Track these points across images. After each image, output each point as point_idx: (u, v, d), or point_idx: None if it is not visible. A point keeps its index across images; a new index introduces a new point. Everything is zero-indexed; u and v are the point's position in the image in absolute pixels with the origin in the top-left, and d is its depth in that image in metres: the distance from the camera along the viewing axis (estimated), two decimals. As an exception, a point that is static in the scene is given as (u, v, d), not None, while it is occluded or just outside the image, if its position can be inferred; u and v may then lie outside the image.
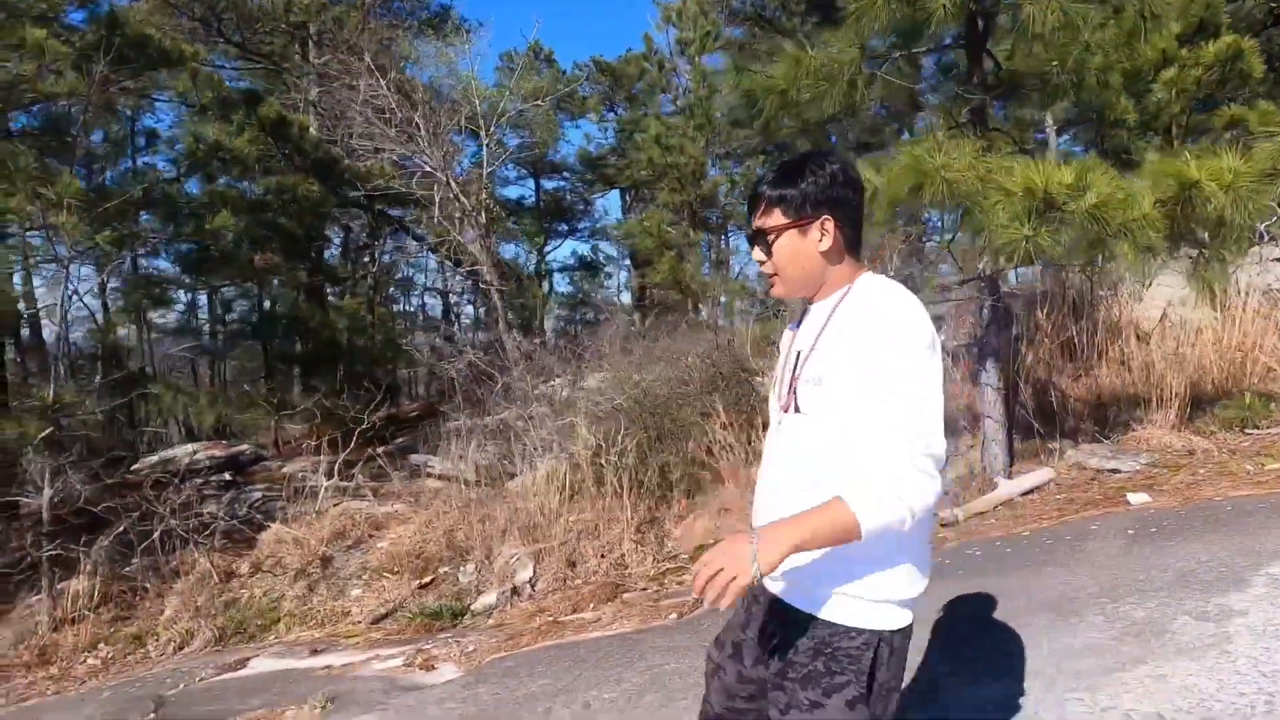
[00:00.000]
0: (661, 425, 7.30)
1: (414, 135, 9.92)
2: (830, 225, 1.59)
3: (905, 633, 1.56)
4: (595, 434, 7.25)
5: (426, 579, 6.64)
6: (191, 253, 9.75)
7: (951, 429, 6.36)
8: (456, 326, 15.80)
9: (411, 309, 22.18)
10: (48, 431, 6.14)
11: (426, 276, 20.33)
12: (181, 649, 6.45)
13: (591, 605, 5.74)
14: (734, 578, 1.35)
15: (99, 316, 11.65)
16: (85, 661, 6.59)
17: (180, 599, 6.94)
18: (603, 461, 6.96)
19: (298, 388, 11.31)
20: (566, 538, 6.64)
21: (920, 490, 1.41)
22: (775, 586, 1.62)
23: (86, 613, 6.92)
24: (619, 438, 6.77)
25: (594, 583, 6.22)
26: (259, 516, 8.22)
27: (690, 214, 14.59)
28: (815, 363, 1.57)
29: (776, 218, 1.61)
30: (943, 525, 5.31)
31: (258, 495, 8.79)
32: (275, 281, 11.35)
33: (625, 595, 5.85)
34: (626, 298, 22.99)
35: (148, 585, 7.23)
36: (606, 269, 25.15)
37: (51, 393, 6.58)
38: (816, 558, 1.49)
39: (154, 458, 10.84)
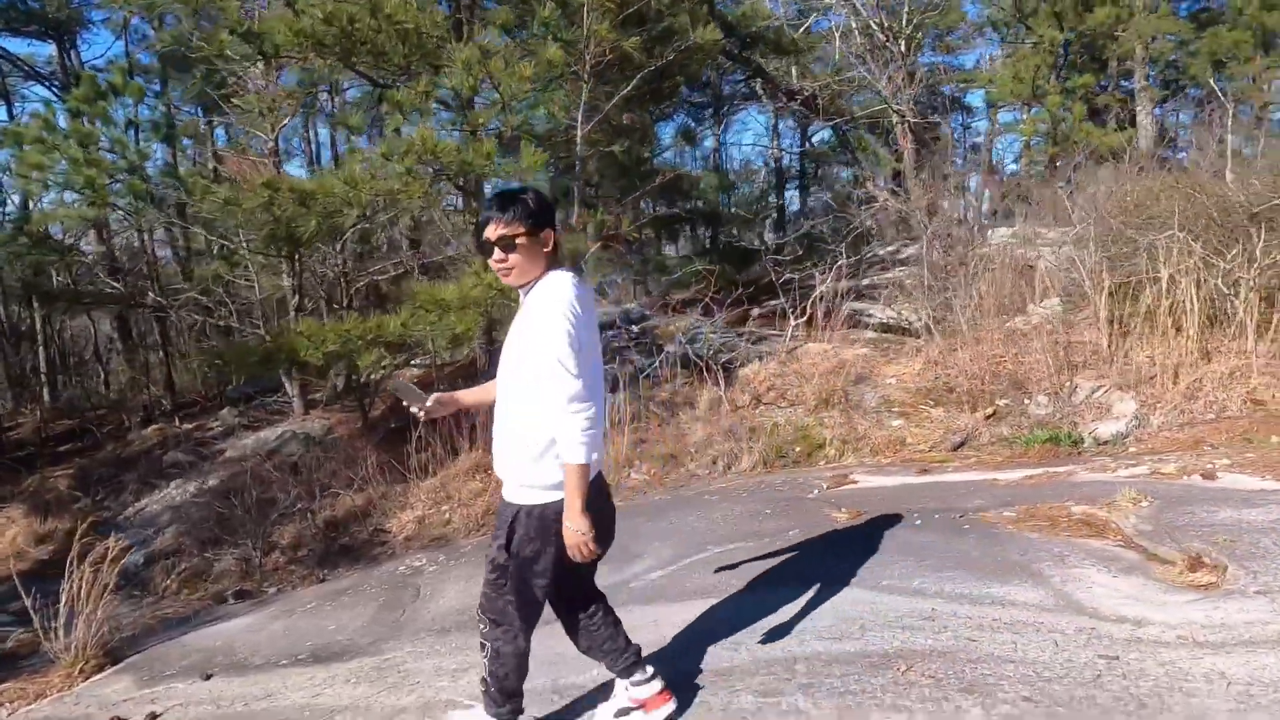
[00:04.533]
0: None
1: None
2: (552, 233, 2.28)
3: (532, 509, 2.30)
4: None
5: (989, 410, 6.06)
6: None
7: None
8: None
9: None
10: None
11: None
12: (729, 468, 6.36)
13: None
14: (580, 544, 2.21)
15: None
16: (630, 476, 6.70)
17: (702, 425, 6.87)
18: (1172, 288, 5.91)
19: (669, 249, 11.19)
20: (1154, 372, 5.76)
21: (575, 423, 2.13)
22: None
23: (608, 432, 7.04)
24: (1237, 249, 5.64)
25: (1226, 418, 5.30)
26: (725, 356, 8.03)
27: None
28: (515, 335, 2.31)
29: (519, 228, 2.23)
30: None
31: (715, 339, 8.60)
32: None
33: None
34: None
35: (654, 411, 7.25)
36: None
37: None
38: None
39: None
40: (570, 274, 2.28)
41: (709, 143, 13.09)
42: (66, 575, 4.80)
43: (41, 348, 17.03)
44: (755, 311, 10.88)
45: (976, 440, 5.80)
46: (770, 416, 6.87)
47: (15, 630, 5.56)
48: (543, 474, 2.25)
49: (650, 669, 2.56)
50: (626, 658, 2.53)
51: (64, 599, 4.75)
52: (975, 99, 23.13)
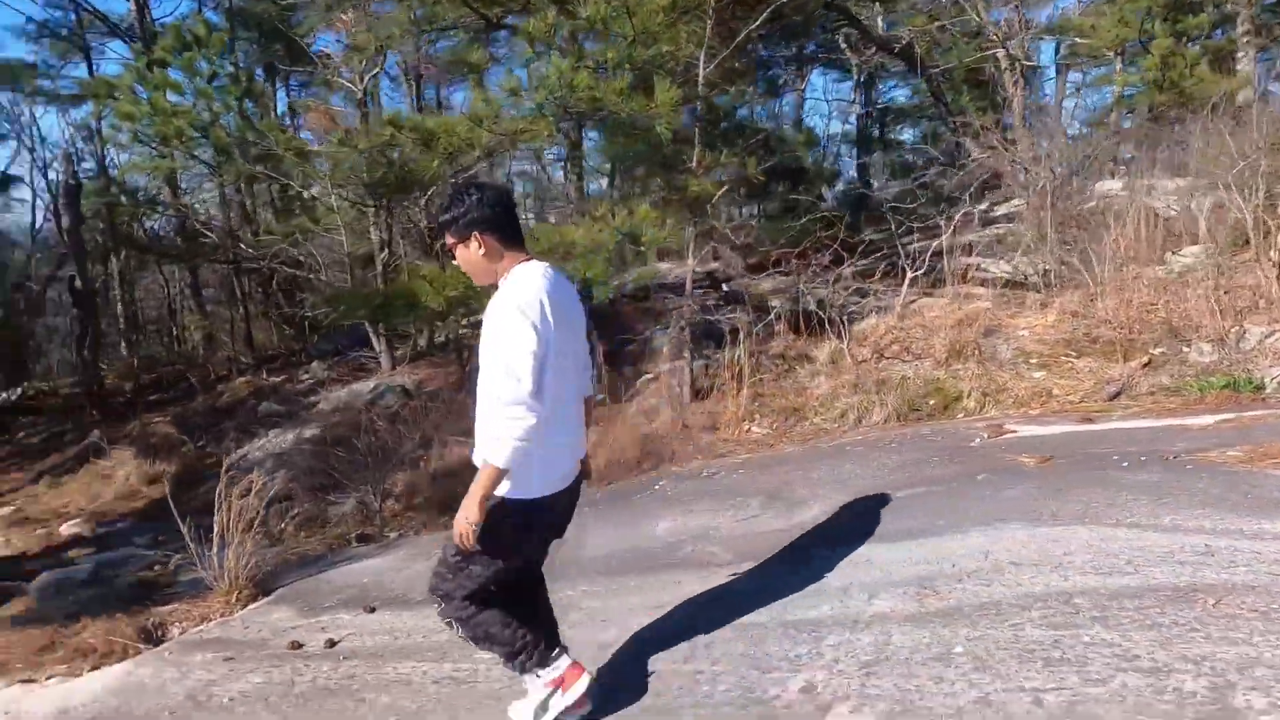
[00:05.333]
0: None
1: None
2: (480, 237, 2.21)
3: (512, 503, 2.24)
4: None
5: (1144, 359, 5.75)
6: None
7: None
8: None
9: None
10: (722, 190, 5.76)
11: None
12: (859, 422, 6.16)
13: None
14: (464, 531, 2.17)
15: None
16: (750, 430, 6.54)
17: (825, 379, 6.66)
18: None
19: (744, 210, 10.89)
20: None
21: (508, 429, 2.07)
22: None
23: (722, 387, 6.87)
24: None
25: None
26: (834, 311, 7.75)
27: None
28: (483, 334, 2.18)
29: (449, 239, 2.26)
30: None
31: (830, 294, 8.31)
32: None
33: None
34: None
35: (767, 367, 7.05)
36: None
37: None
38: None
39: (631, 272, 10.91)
40: (543, 266, 2.22)
41: (788, 99, 12.69)
42: (216, 507, 4.81)
43: (120, 304, 17.37)
44: (849, 269, 10.53)
45: (1134, 390, 5.50)
46: (895, 370, 6.63)
47: (160, 557, 5.64)
48: (516, 470, 2.19)
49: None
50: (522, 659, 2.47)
51: (215, 530, 4.77)
52: (1046, 57, 22.20)
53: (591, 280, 5.72)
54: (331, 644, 3.77)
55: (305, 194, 10.10)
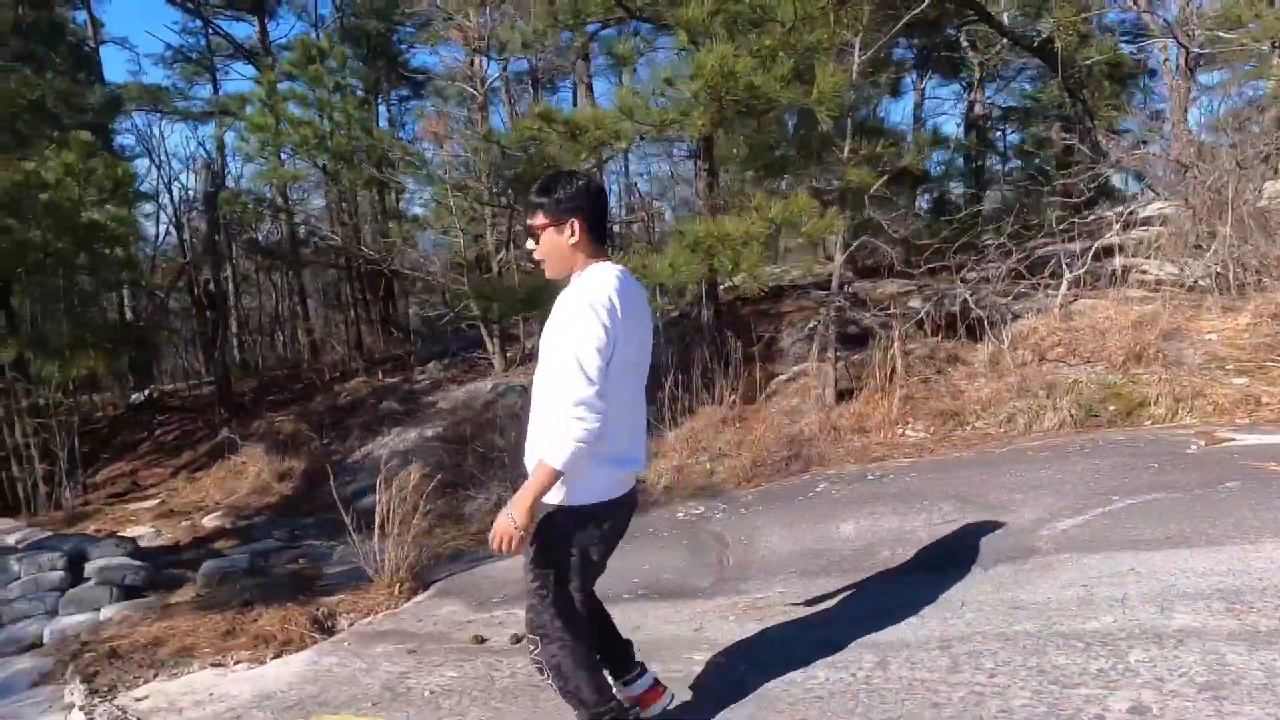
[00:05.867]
0: None
1: None
2: (575, 224, 2.11)
3: (568, 510, 2.11)
4: None
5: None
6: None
7: None
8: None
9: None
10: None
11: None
12: (1030, 427, 5.72)
13: None
14: (508, 535, 2.02)
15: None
16: (904, 434, 6.17)
17: (986, 381, 6.24)
18: None
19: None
20: None
21: (571, 429, 1.95)
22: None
23: (871, 389, 6.52)
24: None
25: None
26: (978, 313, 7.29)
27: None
28: (547, 327, 2.13)
29: (540, 218, 2.14)
30: None
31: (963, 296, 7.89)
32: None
33: None
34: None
35: (917, 367, 6.67)
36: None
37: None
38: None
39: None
40: (618, 268, 2.15)
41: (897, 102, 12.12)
42: (377, 500, 4.77)
43: (234, 310, 18.16)
44: (1006, 267, 9.92)
45: (1363, 398, 4.91)
46: (1062, 374, 6.15)
47: (325, 547, 5.65)
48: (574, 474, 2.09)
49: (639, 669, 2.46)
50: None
51: (376, 522, 4.72)
52: (1154, 60, 20.97)
53: (744, 271, 5.49)
54: (517, 640, 3.60)
55: (418, 197, 10.29)
